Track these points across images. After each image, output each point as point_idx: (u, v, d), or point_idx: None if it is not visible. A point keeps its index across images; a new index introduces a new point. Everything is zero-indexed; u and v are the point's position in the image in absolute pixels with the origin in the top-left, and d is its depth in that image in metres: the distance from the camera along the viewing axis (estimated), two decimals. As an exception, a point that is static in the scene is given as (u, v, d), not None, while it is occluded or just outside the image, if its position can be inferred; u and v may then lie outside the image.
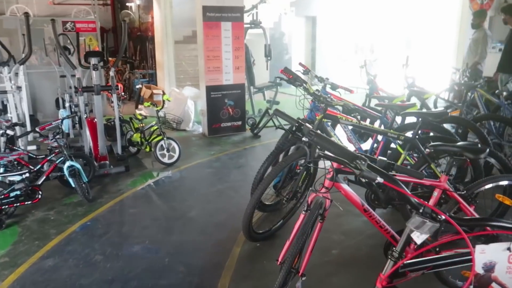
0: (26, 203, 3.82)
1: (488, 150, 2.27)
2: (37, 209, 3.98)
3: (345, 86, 4.91)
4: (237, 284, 2.81)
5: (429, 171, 3.40)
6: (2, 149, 4.36)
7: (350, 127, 3.92)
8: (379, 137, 3.96)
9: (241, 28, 6.78)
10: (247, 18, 7.53)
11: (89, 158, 4.75)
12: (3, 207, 3.67)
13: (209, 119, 6.86)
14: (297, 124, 2.93)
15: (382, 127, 4.25)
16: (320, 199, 2.16)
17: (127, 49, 12.22)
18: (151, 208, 4.12)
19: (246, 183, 4.35)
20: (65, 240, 3.42)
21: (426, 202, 1.63)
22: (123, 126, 5.90)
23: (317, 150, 2.05)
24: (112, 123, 5.74)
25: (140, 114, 5.87)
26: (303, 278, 2.19)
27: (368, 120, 4.66)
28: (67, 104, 6.46)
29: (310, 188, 2.18)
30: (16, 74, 5.60)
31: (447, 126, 4.33)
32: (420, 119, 3.45)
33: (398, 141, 3.50)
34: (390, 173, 1.90)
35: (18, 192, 3.73)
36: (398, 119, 3.95)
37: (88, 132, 5.09)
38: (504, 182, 2.65)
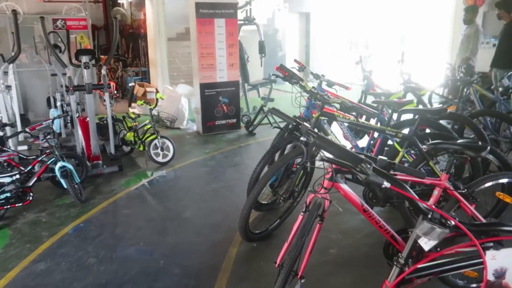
0: (17, 205, 3.74)
1: (489, 147, 2.23)
2: (28, 211, 3.90)
3: (341, 82, 4.86)
4: (234, 286, 2.75)
5: (426, 168, 3.36)
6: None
7: (346, 124, 3.86)
8: (375, 134, 3.92)
9: (234, 25, 6.70)
10: (240, 15, 7.46)
11: (81, 158, 4.66)
12: (-7, 209, 3.59)
13: (204, 117, 6.79)
14: (294, 123, 2.86)
15: (379, 124, 4.20)
16: (319, 200, 2.11)
17: (119, 47, 12.09)
18: (145, 209, 4.05)
19: (241, 182, 4.30)
20: (58, 242, 3.34)
21: (433, 206, 1.57)
22: (116, 125, 5.82)
23: (319, 154, 1.99)
24: (105, 122, 5.66)
25: (133, 113, 5.78)
26: (302, 281, 2.14)
27: (364, 117, 4.62)
28: (58, 103, 6.36)
29: (309, 189, 2.12)
30: (6, 73, 5.49)
31: (442, 121, 4.30)
32: (417, 116, 3.41)
33: (396, 138, 3.46)
34: (390, 172, 1.85)
35: (8, 194, 3.65)
36: (394, 116, 3.90)
37: (80, 132, 5.01)
38: (504, 180, 2.63)
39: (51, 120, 4.82)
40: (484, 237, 1.55)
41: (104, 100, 5.36)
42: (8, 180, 3.73)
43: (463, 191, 2.34)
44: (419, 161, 3.20)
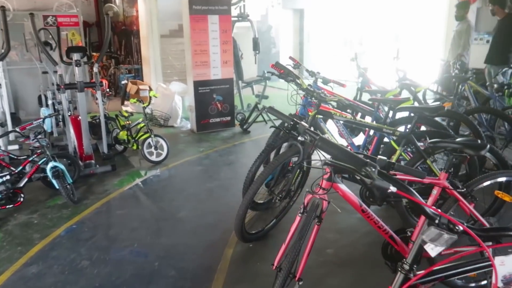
0: (7, 206, 3.68)
1: (488, 146, 2.20)
2: (19, 213, 3.82)
3: (337, 80, 4.82)
4: (231, 288, 2.71)
5: (423, 166, 3.33)
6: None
7: (342, 122, 3.82)
8: (371, 132, 3.88)
9: (228, 21, 6.63)
10: (234, 11, 7.39)
11: (73, 157, 4.58)
12: (-17, 211, 3.52)
13: (198, 115, 6.72)
14: (291, 122, 2.81)
15: (375, 122, 4.17)
16: (317, 201, 2.07)
17: (112, 44, 11.95)
18: (139, 209, 3.99)
19: (236, 181, 4.25)
20: (50, 245, 3.27)
21: (441, 211, 1.51)
22: (108, 124, 5.74)
23: (320, 157, 1.93)
24: (97, 120, 5.57)
25: (126, 111, 5.71)
26: (300, 283, 2.10)
27: (359, 115, 4.59)
28: (50, 102, 6.26)
29: (307, 190, 2.07)
30: (-5, 71, 5.38)
31: (437, 118, 4.28)
32: (413, 113, 3.38)
33: (393, 136, 3.42)
34: (390, 172, 1.81)
35: (-2, 196, 3.58)
36: (390, 114, 3.87)
37: (72, 131, 4.92)
38: (503, 179, 2.61)
39: (42, 119, 4.73)
40: (493, 242, 1.51)
41: (97, 98, 5.28)
42: (-2, 181, 3.66)
43: (462, 190, 2.31)
44: (417, 159, 3.18)
